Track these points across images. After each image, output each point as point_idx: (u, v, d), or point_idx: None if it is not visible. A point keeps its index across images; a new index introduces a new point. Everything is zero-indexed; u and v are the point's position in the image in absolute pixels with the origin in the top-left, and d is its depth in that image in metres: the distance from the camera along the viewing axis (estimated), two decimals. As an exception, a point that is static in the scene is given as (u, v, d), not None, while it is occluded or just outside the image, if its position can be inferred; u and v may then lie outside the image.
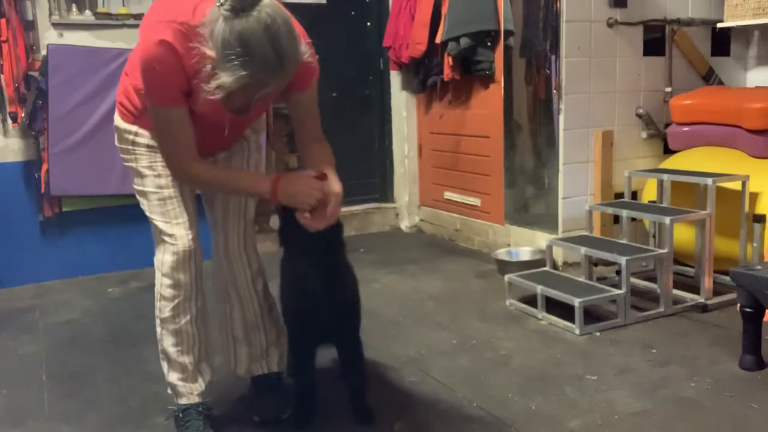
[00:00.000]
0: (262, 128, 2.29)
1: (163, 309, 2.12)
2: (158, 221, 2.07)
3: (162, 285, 2.10)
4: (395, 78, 5.05)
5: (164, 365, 2.19)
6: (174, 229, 2.06)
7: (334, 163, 2.10)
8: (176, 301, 2.09)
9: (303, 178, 1.95)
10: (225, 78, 1.66)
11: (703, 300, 3.13)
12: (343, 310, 2.13)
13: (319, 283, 2.04)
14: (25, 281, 4.03)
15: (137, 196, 2.12)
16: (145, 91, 1.86)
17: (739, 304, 2.53)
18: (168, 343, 2.15)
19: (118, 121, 2.10)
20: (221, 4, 1.64)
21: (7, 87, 3.82)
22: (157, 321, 2.15)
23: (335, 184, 1.98)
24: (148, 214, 2.10)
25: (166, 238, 2.06)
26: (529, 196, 4.46)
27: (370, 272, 3.99)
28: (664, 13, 3.90)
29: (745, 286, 2.48)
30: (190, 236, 2.07)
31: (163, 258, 2.08)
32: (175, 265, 2.06)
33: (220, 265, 2.25)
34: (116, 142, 2.13)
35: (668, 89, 3.95)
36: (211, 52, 1.68)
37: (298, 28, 1.86)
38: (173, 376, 2.18)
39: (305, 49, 1.76)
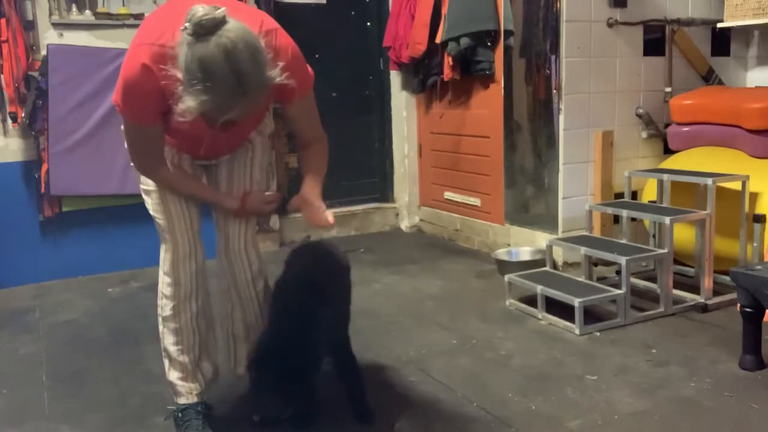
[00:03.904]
0: (267, 130, 2.28)
1: (164, 307, 2.15)
2: (160, 220, 2.10)
3: (163, 283, 2.14)
4: (395, 78, 5.05)
5: (165, 363, 2.21)
6: (175, 228, 2.08)
7: (323, 167, 2.17)
8: (176, 299, 2.12)
9: (260, 195, 2.18)
10: (189, 102, 1.65)
11: (703, 300, 3.13)
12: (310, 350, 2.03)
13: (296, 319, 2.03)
14: (25, 281, 4.02)
15: (142, 195, 2.15)
16: (121, 109, 1.88)
17: (739, 304, 2.53)
18: (168, 341, 2.16)
19: None
20: (184, 29, 1.62)
21: (7, 87, 3.82)
22: (159, 319, 2.18)
23: (309, 197, 2.09)
24: (151, 212, 2.12)
25: (167, 237, 2.09)
26: (529, 196, 4.47)
27: (370, 272, 3.99)
28: (664, 13, 3.90)
29: (745, 286, 2.48)
30: (190, 235, 2.10)
31: (164, 256, 2.11)
32: (175, 264, 2.09)
33: (221, 264, 2.26)
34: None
35: (668, 89, 3.95)
36: (179, 75, 1.67)
37: (283, 42, 1.84)
38: (173, 375, 2.19)
39: (275, 73, 1.71)
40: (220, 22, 1.61)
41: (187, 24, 1.61)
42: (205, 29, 1.60)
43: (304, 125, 2.12)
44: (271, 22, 1.86)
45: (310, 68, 2.02)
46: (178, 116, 1.70)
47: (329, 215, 2.07)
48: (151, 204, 2.12)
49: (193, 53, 1.61)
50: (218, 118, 1.74)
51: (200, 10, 1.60)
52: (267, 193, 2.20)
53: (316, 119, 2.14)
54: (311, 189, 2.12)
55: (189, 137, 2.00)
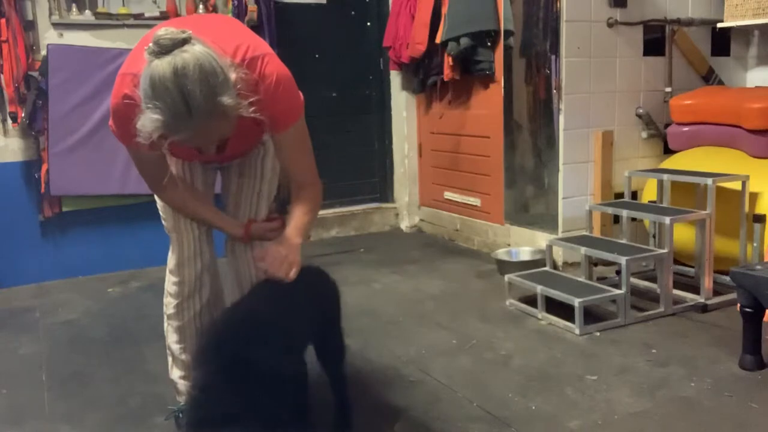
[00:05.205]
0: None
1: (169, 305, 2.16)
2: (165, 221, 2.12)
3: (168, 282, 2.15)
4: (395, 78, 5.04)
5: (169, 361, 2.22)
6: (180, 228, 2.10)
7: (311, 220, 2.04)
8: (180, 298, 2.12)
9: (265, 225, 2.14)
10: (143, 121, 1.62)
11: (703, 300, 3.13)
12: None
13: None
14: (25, 281, 4.02)
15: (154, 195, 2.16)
16: (116, 134, 1.89)
17: (739, 304, 2.53)
18: (172, 339, 2.18)
19: None
20: (147, 48, 1.60)
21: (7, 87, 3.82)
22: (164, 317, 2.19)
23: (286, 248, 1.91)
24: (160, 212, 2.14)
25: (173, 236, 2.11)
26: (529, 196, 4.46)
27: (370, 272, 3.99)
28: (664, 13, 3.90)
29: (745, 286, 2.48)
30: (196, 235, 2.11)
31: (170, 255, 2.13)
32: (180, 263, 2.10)
33: (228, 261, 2.26)
34: None
35: (668, 89, 3.95)
36: (140, 95, 1.64)
37: (270, 69, 1.77)
38: (176, 374, 2.20)
39: (233, 102, 1.63)
40: (179, 43, 1.58)
41: (150, 44, 1.59)
42: (162, 48, 1.57)
43: (288, 159, 1.99)
44: (261, 48, 1.80)
45: (301, 98, 1.93)
46: (139, 138, 1.66)
47: (294, 270, 1.87)
48: (159, 204, 2.14)
49: (147, 71, 1.59)
50: (172, 139, 1.68)
51: (163, 31, 1.59)
52: (271, 224, 2.17)
53: (305, 156, 2.00)
54: (292, 236, 1.95)
55: (194, 154, 2.00)
